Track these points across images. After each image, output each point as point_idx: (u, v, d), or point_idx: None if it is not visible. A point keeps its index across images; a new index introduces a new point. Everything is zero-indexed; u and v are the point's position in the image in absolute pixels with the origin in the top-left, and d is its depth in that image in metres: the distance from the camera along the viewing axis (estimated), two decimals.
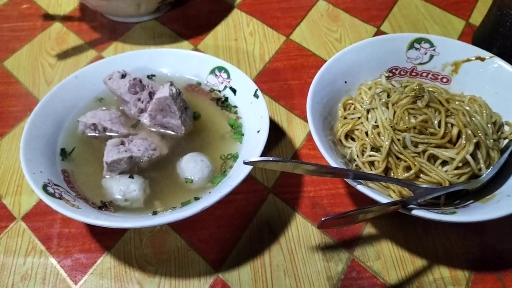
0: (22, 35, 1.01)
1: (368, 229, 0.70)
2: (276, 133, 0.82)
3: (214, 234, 0.70)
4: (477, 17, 1.01)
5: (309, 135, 0.82)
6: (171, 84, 0.69)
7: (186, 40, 0.99)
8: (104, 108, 0.75)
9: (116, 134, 0.72)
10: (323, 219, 0.53)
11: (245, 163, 0.57)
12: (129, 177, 0.66)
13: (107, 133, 0.73)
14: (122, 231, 0.70)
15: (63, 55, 0.97)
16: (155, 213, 0.65)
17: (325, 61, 0.91)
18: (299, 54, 0.95)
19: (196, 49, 0.96)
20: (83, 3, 0.99)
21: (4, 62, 0.96)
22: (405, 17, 1.02)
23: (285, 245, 0.69)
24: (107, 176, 0.68)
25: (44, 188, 0.62)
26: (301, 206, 0.73)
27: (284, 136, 0.82)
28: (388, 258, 0.67)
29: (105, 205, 0.65)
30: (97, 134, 0.73)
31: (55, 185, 0.64)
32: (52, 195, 0.61)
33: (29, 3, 1.09)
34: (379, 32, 0.99)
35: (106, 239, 0.70)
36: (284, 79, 0.91)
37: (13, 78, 0.92)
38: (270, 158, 0.56)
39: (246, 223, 0.71)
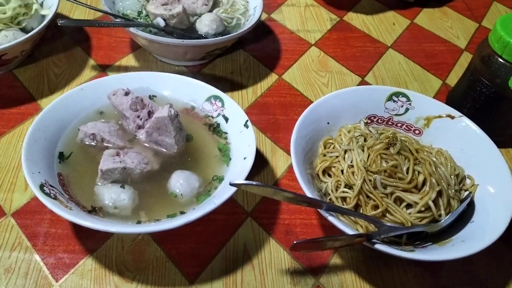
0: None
1: (335, 260, 0.75)
2: (260, 162, 0.88)
3: (193, 249, 0.75)
4: (453, 78, 1.10)
5: (290, 167, 0.88)
6: (171, 106, 0.75)
7: (185, 67, 1.06)
8: (104, 120, 0.81)
9: (112, 146, 0.78)
10: (295, 242, 0.59)
11: (230, 184, 0.63)
12: (121, 186, 0.71)
13: (104, 144, 0.78)
14: (106, 236, 0.75)
15: (69, 67, 1.03)
16: (139, 222, 0.70)
17: (312, 101, 0.98)
18: (289, 93, 1.03)
19: (194, 77, 1.03)
20: (133, 39, 1.04)
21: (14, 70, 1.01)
22: (388, 71, 1.11)
23: (257, 266, 0.74)
24: (99, 184, 0.73)
25: (41, 187, 0.66)
26: (276, 231, 0.78)
27: (267, 165, 0.89)
28: None
29: (95, 210, 0.70)
30: (94, 144, 0.78)
31: (51, 186, 0.69)
32: (48, 195, 0.66)
33: None
34: (363, 82, 1.08)
35: (90, 243, 0.74)
36: (272, 114, 0.98)
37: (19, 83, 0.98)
38: (254, 183, 0.62)
39: (223, 242, 0.76)
